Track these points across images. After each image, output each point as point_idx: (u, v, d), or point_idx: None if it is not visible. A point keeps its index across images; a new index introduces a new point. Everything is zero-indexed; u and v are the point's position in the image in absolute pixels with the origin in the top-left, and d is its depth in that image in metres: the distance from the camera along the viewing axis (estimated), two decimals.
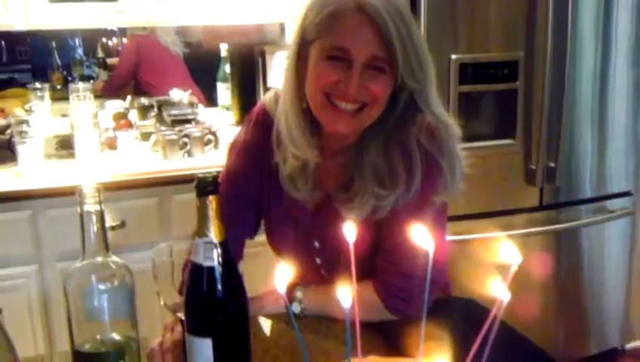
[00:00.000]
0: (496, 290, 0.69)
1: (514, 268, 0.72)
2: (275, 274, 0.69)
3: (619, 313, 3.00)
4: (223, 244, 0.93)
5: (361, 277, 1.20)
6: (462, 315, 1.28)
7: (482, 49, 2.47)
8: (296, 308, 1.28)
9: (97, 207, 0.87)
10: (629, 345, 3.11)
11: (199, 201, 0.92)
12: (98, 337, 0.89)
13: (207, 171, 0.95)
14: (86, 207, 0.86)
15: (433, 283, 1.16)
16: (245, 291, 0.96)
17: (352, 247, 0.77)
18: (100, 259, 0.88)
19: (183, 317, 1.03)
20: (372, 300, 1.25)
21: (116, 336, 0.89)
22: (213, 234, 0.93)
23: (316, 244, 1.33)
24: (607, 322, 2.98)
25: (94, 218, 0.87)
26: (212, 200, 0.92)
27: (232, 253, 0.95)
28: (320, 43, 1.16)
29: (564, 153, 2.60)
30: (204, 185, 0.92)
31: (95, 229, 0.88)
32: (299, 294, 1.28)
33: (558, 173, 2.61)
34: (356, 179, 1.22)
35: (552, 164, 2.60)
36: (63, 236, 2.19)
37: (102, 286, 0.88)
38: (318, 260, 1.34)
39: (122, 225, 2.22)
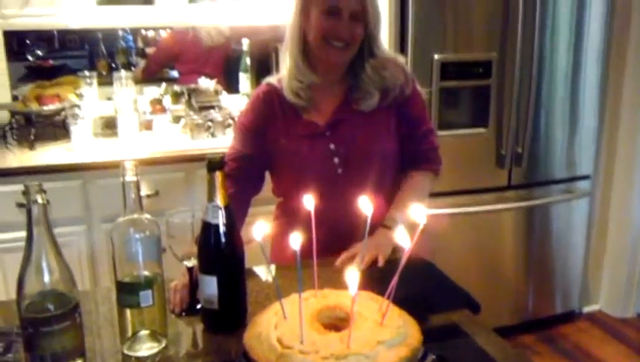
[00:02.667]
0: (415, 214, 0.92)
1: (421, 226, 0.94)
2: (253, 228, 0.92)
3: (578, 280, 3.18)
4: (227, 208, 1.16)
5: (378, 166, 1.60)
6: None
7: (461, 50, 2.64)
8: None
9: (135, 178, 1.09)
10: (585, 309, 3.30)
11: (209, 175, 1.15)
12: (134, 273, 1.12)
13: (215, 153, 1.17)
14: (127, 178, 1.09)
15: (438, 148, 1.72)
16: (241, 242, 1.19)
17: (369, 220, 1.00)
18: (136, 215, 1.10)
19: (189, 265, 1.26)
20: (426, 179, 1.70)
21: (147, 272, 1.12)
22: (219, 200, 1.16)
23: (332, 147, 1.58)
24: (568, 288, 3.17)
25: (132, 186, 1.10)
26: (218, 175, 1.15)
27: (233, 214, 1.18)
28: (318, 3, 1.51)
29: (530, 141, 2.78)
30: (213, 164, 1.15)
31: (133, 194, 1.10)
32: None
33: (524, 157, 2.80)
34: (358, 80, 1.57)
35: (520, 150, 2.79)
36: (107, 202, 2.36)
37: (137, 236, 1.10)
38: (335, 160, 1.58)
39: (156, 193, 2.43)
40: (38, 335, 1.03)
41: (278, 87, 1.61)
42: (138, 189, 1.10)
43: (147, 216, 1.11)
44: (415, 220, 0.95)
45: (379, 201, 1.43)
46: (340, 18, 1.49)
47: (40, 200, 1.03)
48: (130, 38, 4.46)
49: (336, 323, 0.93)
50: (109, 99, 3.04)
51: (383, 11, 1.59)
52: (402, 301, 0.98)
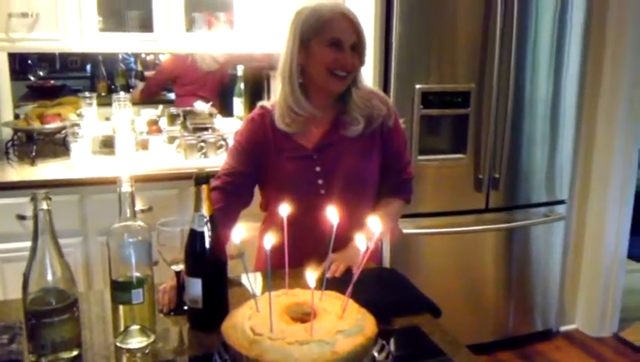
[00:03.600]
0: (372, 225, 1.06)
1: (377, 234, 1.08)
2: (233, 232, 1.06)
3: (555, 300, 3.31)
4: (211, 217, 1.30)
5: (359, 188, 1.75)
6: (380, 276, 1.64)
7: (441, 81, 2.80)
8: None
9: (130, 189, 1.23)
10: (563, 327, 3.42)
11: (196, 188, 1.30)
12: (128, 273, 1.25)
13: (202, 169, 1.32)
14: (123, 189, 1.23)
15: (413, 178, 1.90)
16: (224, 248, 1.33)
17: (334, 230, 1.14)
18: (130, 222, 1.24)
19: (177, 269, 1.40)
20: (399, 206, 1.87)
21: (139, 273, 1.25)
22: (205, 210, 1.30)
23: (317, 169, 1.73)
24: (546, 307, 3.30)
25: (127, 196, 1.24)
26: (204, 188, 1.29)
27: (217, 223, 1.32)
28: (319, 38, 1.65)
29: (506, 166, 2.94)
30: (200, 178, 1.30)
31: (128, 204, 1.24)
32: None
33: (501, 182, 2.95)
34: (347, 107, 1.72)
35: (497, 175, 2.94)
36: (103, 215, 2.43)
37: (130, 240, 1.23)
38: (320, 181, 1.72)
39: (150, 208, 2.52)
40: (40, 326, 1.16)
41: (272, 111, 1.75)
42: (132, 199, 1.24)
43: (140, 223, 1.25)
44: (372, 229, 1.10)
45: (357, 218, 1.55)
46: (342, 49, 1.64)
47: (45, 207, 1.17)
48: (132, 59, 4.63)
49: (303, 317, 1.06)
50: (108, 119, 3.16)
51: (368, 44, 1.75)
52: (368, 304, 1.11)
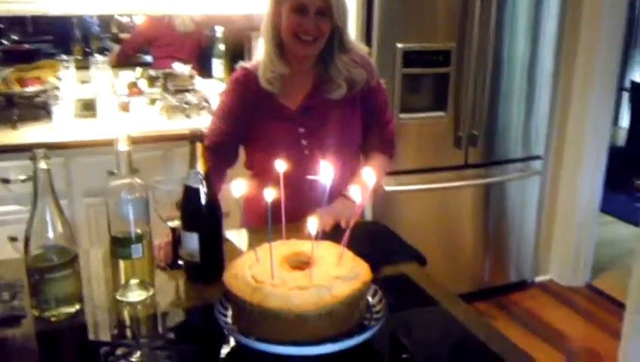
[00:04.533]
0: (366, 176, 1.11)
1: (371, 185, 1.13)
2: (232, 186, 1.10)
3: (530, 252, 3.44)
4: (206, 174, 1.34)
5: (341, 148, 1.77)
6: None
7: (422, 40, 2.83)
8: None
9: (127, 148, 1.26)
10: (537, 278, 3.56)
11: (191, 146, 1.32)
12: (126, 230, 1.29)
13: (197, 127, 1.34)
14: (120, 148, 1.26)
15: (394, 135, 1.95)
16: (219, 203, 1.37)
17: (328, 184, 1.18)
18: (127, 180, 1.27)
19: (172, 225, 1.43)
20: (384, 161, 1.90)
21: (137, 229, 1.29)
22: (199, 167, 1.33)
23: (301, 130, 1.76)
24: (521, 259, 3.43)
25: (125, 155, 1.27)
26: (199, 146, 1.32)
27: (211, 180, 1.36)
28: (287, 2, 1.66)
29: (485, 124, 3.01)
30: (195, 136, 1.32)
31: (125, 162, 1.27)
32: None
33: (480, 139, 3.02)
34: (329, 71, 1.74)
35: (475, 132, 3.01)
36: (87, 177, 2.55)
37: (128, 197, 1.26)
38: (303, 142, 1.77)
39: (136, 170, 2.58)
40: (43, 281, 1.20)
41: (254, 72, 1.78)
42: (130, 158, 1.27)
43: (138, 180, 1.28)
44: (366, 182, 1.14)
45: (340, 175, 1.60)
46: (307, 14, 1.65)
47: (45, 166, 1.19)
48: (97, 24, 4.54)
49: (301, 265, 1.11)
50: (84, 82, 3.13)
51: (349, 3, 1.77)
52: (359, 254, 1.17)
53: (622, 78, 5.17)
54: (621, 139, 5.36)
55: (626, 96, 5.55)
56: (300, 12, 1.65)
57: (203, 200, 1.33)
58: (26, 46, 4.38)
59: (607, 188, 3.51)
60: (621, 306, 2.79)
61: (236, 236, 1.65)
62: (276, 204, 1.12)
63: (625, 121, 5.64)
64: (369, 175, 1.15)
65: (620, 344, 2.63)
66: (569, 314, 3.25)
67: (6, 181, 2.47)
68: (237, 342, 1.08)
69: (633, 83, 5.36)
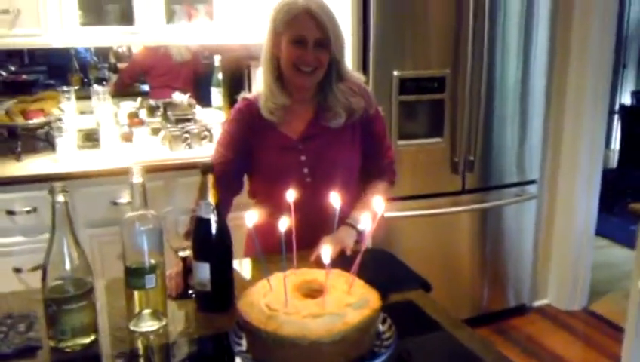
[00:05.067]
0: (364, 222, 1.15)
1: (380, 213, 1.17)
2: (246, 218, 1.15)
3: (528, 277, 3.47)
4: (217, 205, 1.38)
5: (342, 175, 1.81)
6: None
7: (418, 67, 2.91)
8: None
9: (141, 180, 1.31)
10: (535, 303, 3.59)
11: (202, 178, 1.37)
12: (140, 260, 1.32)
13: (206, 159, 1.39)
14: (134, 180, 1.30)
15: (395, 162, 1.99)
16: (229, 234, 1.41)
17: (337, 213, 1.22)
18: (141, 211, 1.31)
19: (183, 255, 1.47)
20: (385, 188, 1.93)
21: (151, 260, 1.32)
22: (211, 198, 1.37)
23: (302, 158, 1.81)
24: (519, 283, 3.45)
25: (139, 186, 1.31)
26: (210, 177, 1.37)
27: (222, 211, 1.40)
28: (287, 35, 1.71)
29: (481, 149, 3.07)
30: (206, 168, 1.37)
31: (139, 193, 1.31)
32: None
33: (476, 164, 3.08)
34: (328, 100, 1.79)
35: (472, 158, 3.07)
36: (90, 208, 2.55)
37: (142, 228, 1.30)
38: (305, 170, 1.81)
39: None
40: (60, 312, 1.23)
41: (255, 103, 1.83)
42: (144, 189, 1.31)
43: (152, 212, 1.32)
44: (375, 209, 1.19)
45: (342, 202, 1.64)
46: (306, 46, 1.70)
47: (62, 199, 1.23)
48: (93, 53, 4.59)
49: (313, 293, 1.15)
50: (83, 112, 3.16)
51: (346, 33, 1.83)
52: (366, 282, 1.21)
53: (612, 102, 5.28)
54: (613, 162, 5.45)
55: (616, 118, 5.67)
56: (299, 44, 1.70)
57: (214, 231, 1.37)
58: (24, 77, 4.44)
59: (600, 211, 3.56)
60: (619, 329, 2.82)
61: (238, 265, 1.69)
62: (277, 232, 1.16)
63: (616, 143, 5.74)
64: (378, 203, 1.20)
65: None
66: (568, 338, 3.28)
67: (11, 213, 2.50)
68: None
69: (622, 106, 5.48)
